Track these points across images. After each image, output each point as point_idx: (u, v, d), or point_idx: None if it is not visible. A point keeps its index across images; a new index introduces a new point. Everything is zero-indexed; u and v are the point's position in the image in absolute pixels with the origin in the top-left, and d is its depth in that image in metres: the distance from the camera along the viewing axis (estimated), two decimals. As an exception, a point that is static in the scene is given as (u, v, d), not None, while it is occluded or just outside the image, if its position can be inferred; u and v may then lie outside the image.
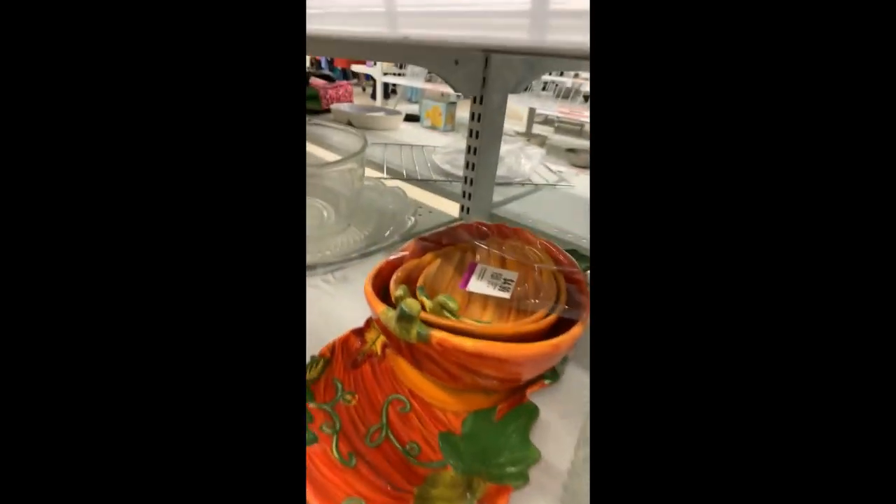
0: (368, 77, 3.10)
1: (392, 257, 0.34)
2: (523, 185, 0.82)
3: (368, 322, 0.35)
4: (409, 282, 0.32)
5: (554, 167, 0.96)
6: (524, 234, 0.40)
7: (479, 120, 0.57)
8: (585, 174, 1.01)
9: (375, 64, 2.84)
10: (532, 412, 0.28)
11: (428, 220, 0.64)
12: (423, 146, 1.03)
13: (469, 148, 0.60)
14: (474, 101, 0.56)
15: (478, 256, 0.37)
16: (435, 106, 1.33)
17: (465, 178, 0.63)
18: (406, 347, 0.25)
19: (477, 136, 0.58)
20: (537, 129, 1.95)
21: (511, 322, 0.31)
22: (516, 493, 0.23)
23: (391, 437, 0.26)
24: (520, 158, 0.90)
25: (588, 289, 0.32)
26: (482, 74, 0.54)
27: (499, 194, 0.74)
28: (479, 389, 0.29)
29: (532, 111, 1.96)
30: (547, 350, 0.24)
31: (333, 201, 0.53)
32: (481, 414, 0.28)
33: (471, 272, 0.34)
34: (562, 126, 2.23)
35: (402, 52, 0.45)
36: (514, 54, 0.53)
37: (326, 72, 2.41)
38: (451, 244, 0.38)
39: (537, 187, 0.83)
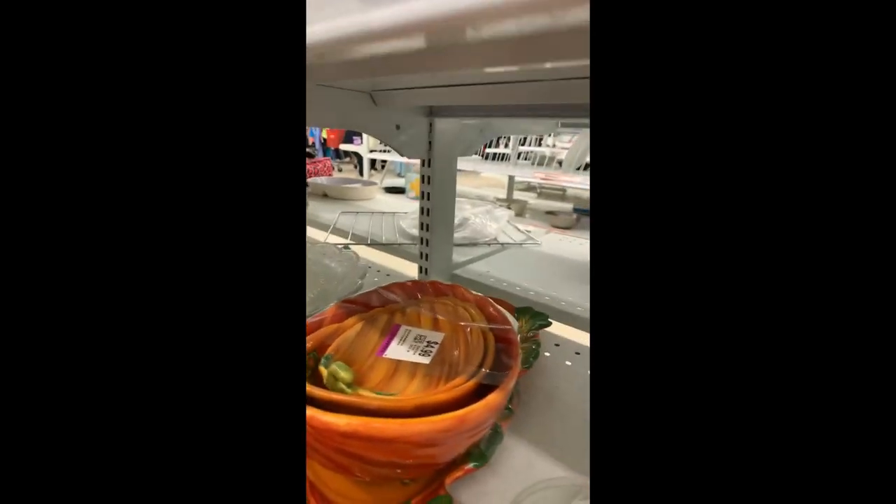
0: (348, 154, 3.26)
1: (310, 320, 0.31)
2: (489, 244, 0.82)
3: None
4: (321, 349, 0.28)
5: (523, 227, 0.96)
6: (460, 290, 0.37)
7: (429, 182, 0.57)
8: (554, 233, 1.01)
9: (362, 142, 3.02)
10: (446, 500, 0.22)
11: (386, 282, 0.61)
12: (394, 213, 1.04)
13: (422, 209, 0.60)
14: (423, 164, 0.57)
15: (402, 317, 0.33)
16: (418, 177, 1.38)
17: (421, 238, 0.61)
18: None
19: (429, 198, 0.58)
20: (521, 195, 2.02)
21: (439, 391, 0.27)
22: None
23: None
24: (486, 220, 0.90)
25: (518, 351, 0.28)
26: (427, 138, 0.55)
27: (464, 254, 0.73)
28: (392, 480, 0.24)
29: (511, 179, 2.05)
30: (449, 424, 0.20)
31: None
32: (391, 512, 0.23)
33: (392, 335, 0.31)
34: (544, 191, 2.31)
35: (344, 117, 0.46)
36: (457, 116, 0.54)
37: (317, 150, 2.55)
38: (381, 306, 0.35)
39: (503, 247, 0.82)
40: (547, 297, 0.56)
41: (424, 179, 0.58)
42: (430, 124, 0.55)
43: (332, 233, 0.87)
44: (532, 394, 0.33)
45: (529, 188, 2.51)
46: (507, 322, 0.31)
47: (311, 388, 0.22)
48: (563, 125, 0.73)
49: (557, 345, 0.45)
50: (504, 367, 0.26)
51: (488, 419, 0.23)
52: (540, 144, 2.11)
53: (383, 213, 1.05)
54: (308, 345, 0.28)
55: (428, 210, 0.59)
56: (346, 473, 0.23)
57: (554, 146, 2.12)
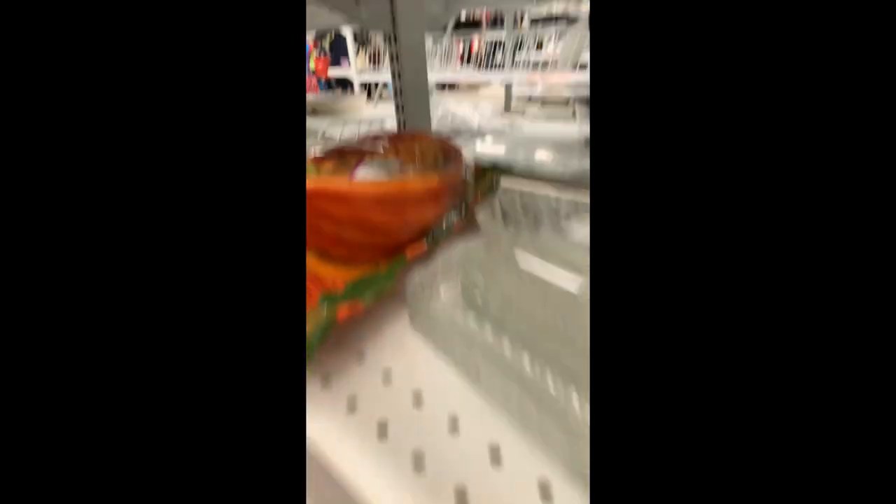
0: (340, 83, 3.14)
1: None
2: (472, 134, 0.84)
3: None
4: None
5: (508, 118, 0.97)
6: (423, 136, 0.41)
7: (398, 60, 0.59)
8: (532, 123, 1.01)
9: (350, 63, 2.88)
10: (402, 259, 0.29)
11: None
12: (382, 118, 1.06)
13: (396, 91, 0.62)
14: (388, 41, 0.58)
15: (370, 155, 0.39)
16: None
17: (400, 122, 0.65)
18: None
19: (400, 77, 0.60)
20: (524, 108, 1.94)
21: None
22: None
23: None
24: (471, 112, 0.91)
25: (462, 159, 0.34)
26: (390, 11, 0.56)
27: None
28: (363, 259, 0.31)
29: (509, 89, 1.97)
30: (392, 189, 0.26)
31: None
32: (365, 279, 0.30)
33: (359, 164, 0.36)
34: (548, 103, 2.21)
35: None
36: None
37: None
38: (351, 152, 0.40)
39: (486, 135, 0.84)
40: (513, 162, 0.60)
41: (393, 58, 0.59)
42: (392, -4, 0.55)
43: (322, 139, 0.91)
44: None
45: (532, 100, 2.41)
46: (458, 149, 0.36)
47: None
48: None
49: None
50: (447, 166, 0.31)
51: (427, 198, 0.28)
52: (538, 49, 1.98)
53: (371, 120, 1.06)
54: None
55: (401, 90, 0.61)
56: (323, 245, 0.29)
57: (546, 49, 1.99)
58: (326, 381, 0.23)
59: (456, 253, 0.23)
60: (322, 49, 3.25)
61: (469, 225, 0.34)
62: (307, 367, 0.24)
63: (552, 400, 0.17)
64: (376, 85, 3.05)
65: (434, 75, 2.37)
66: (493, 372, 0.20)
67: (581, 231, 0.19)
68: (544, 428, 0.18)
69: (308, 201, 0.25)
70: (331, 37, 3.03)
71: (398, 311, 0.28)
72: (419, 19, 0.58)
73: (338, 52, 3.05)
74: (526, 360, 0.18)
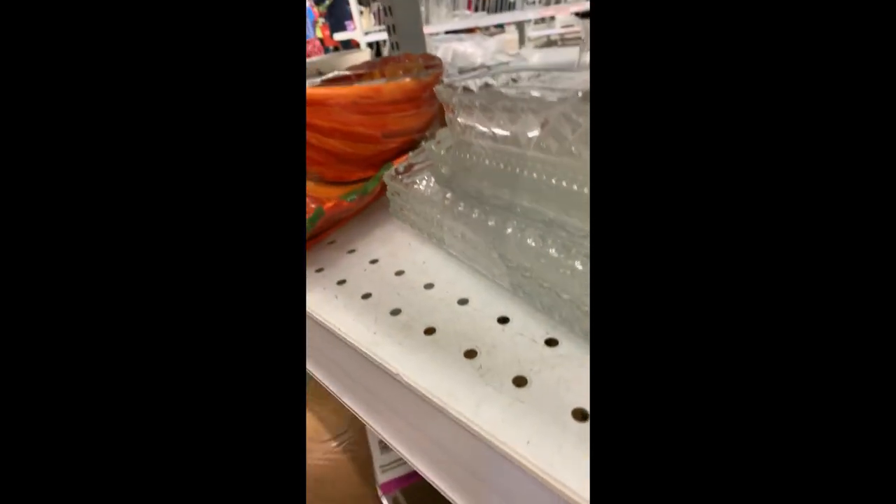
0: (346, 44, 3.07)
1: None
2: (475, 69, 0.82)
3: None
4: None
5: (512, 52, 0.93)
6: (407, 56, 0.42)
7: (390, 13, 0.58)
8: (542, 51, 0.96)
9: (355, 26, 2.81)
10: (389, 165, 0.31)
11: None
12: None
13: (388, 28, 0.61)
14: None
15: (361, 78, 0.40)
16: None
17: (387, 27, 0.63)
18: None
19: (394, 31, 0.59)
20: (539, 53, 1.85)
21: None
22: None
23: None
24: (474, 49, 0.88)
25: (442, 67, 0.34)
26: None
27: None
28: (357, 177, 0.33)
29: (522, 26, 1.87)
30: (367, 91, 0.27)
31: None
32: (356, 189, 0.32)
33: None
34: (567, 42, 2.08)
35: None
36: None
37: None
38: (340, 79, 0.41)
39: (489, 69, 0.82)
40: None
41: (386, 11, 0.58)
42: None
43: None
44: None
45: (549, 42, 2.27)
46: (439, 61, 0.36)
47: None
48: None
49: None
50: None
51: (403, 100, 0.29)
52: None
53: (375, 72, 1.06)
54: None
55: (397, 44, 0.60)
56: (314, 160, 0.31)
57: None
58: (320, 269, 0.26)
59: (427, 146, 0.24)
60: (323, 17, 3.17)
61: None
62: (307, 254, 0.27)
63: (520, 248, 0.18)
64: (385, 42, 2.97)
65: (442, 24, 2.28)
66: (462, 234, 0.21)
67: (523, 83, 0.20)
68: (511, 279, 0.19)
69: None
70: (329, 1, 2.94)
71: (387, 214, 0.30)
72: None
73: (341, 15, 2.98)
74: (491, 219, 0.20)
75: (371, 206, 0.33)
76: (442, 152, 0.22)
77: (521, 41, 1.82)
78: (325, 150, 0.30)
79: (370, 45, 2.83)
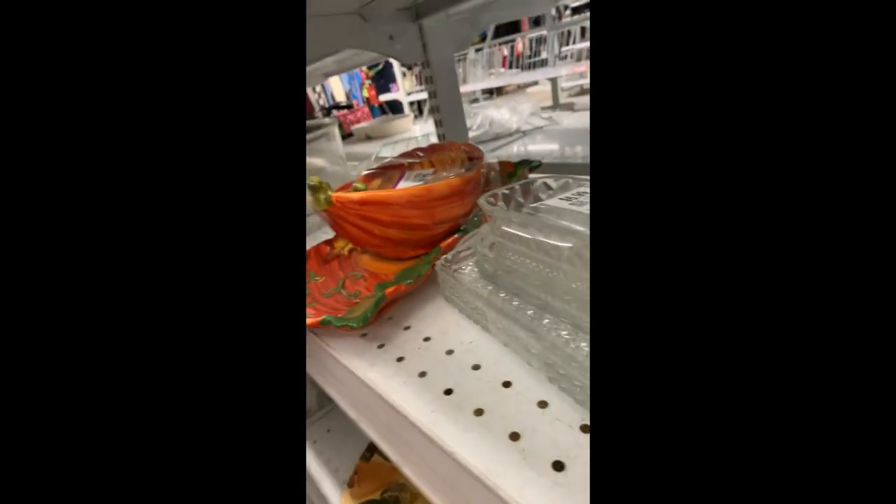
0: (390, 105, 3.32)
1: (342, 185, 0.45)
2: (511, 135, 0.88)
3: (337, 237, 0.46)
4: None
5: (545, 115, 1.00)
6: (452, 145, 0.47)
7: (432, 82, 0.66)
8: (573, 114, 1.02)
9: (399, 88, 3.06)
10: (438, 249, 0.35)
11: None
12: (428, 134, 1.14)
13: (433, 108, 0.69)
14: (423, 66, 0.66)
15: (409, 167, 0.46)
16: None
17: (439, 135, 0.72)
18: (328, 218, 0.35)
19: (435, 96, 0.67)
20: (573, 100, 1.92)
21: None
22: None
23: (342, 290, 0.36)
24: (509, 114, 0.95)
25: (483, 160, 0.39)
26: (421, 41, 0.63)
27: (486, 148, 0.82)
28: (410, 255, 0.38)
29: (555, 82, 1.96)
30: (419, 191, 0.32)
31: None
32: (409, 268, 0.37)
33: (401, 178, 0.43)
34: None
35: (337, 41, 0.56)
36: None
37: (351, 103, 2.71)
38: (393, 167, 0.48)
39: (525, 134, 0.88)
40: (546, 157, 0.64)
41: (427, 80, 0.67)
42: (420, 27, 0.62)
43: (376, 161, 1.01)
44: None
45: (583, 91, 2.35)
46: (477, 151, 0.42)
47: (340, 197, 0.35)
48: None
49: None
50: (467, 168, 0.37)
51: (450, 195, 0.34)
52: (584, 36, 1.96)
53: (418, 136, 1.16)
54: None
55: (437, 107, 0.68)
56: (374, 244, 0.36)
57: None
58: (381, 345, 0.30)
59: (473, 236, 0.28)
60: (370, 79, 3.48)
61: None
62: (366, 336, 0.31)
63: (550, 338, 0.21)
64: (425, 101, 3.20)
65: (478, 84, 2.44)
66: (503, 323, 0.25)
67: (554, 201, 0.24)
68: (545, 360, 0.22)
69: (360, 209, 0.33)
70: (379, 67, 3.23)
71: (436, 290, 0.34)
72: (447, 43, 0.65)
73: (387, 78, 3.27)
74: (529, 312, 0.23)
75: (423, 284, 0.37)
76: (486, 251, 0.26)
77: (555, 96, 1.91)
78: (385, 237, 0.35)
79: (412, 104, 3.05)
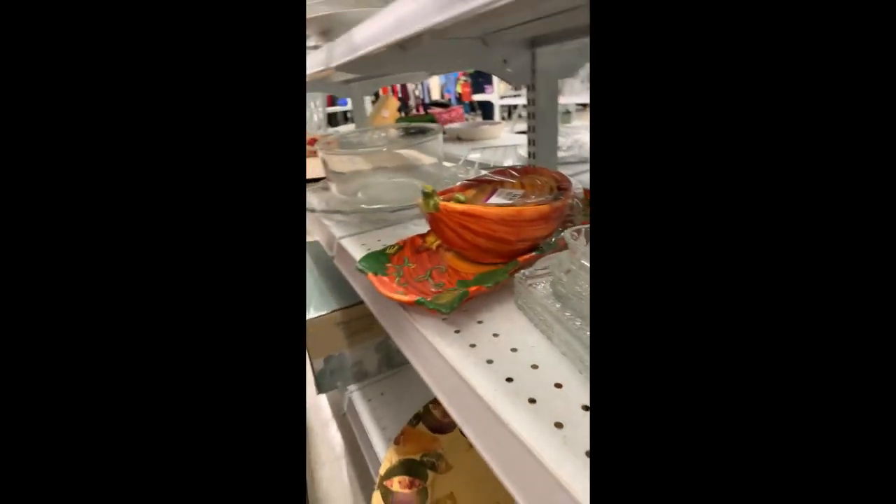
0: (481, 105, 3.37)
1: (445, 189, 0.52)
2: (599, 161, 0.90)
3: (430, 232, 0.54)
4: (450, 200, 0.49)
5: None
6: (543, 170, 0.53)
7: (534, 104, 0.71)
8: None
9: (493, 90, 3.11)
10: (516, 262, 0.41)
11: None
12: (515, 145, 1.19)
13: (529, 128, 0.74)
14: (528, 89, 0.71)
15: (501, 184, 0.52)
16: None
17: (530, 153, 0.77)
18: (431, 219, 0.42)
19: (534, 117, 0.72)
20: None
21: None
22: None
23: (430, 279, 0.44)
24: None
25: (571, 189, 0.44)
26: (531, 67, 0.68)
27: (572, 170, 0.85)
28: (488, 261, 0.44)
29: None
30: (512, 212, 0.38)
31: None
32: (488, 273, 0.43)
33: (493, 192, 0.49)
34: None
35: (457, 61, 0.63)
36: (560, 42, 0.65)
37: (452, 104, 2.83)
38: (488, 182, 0.54)
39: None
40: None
41: (530, 102, 0.72)
42: (533, 54, 0.68)
43: (464, 164, 1.09)
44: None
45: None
46: (566, 180, 0.47)
47: (446, 206, 0.42)
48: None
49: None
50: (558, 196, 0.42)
51: (538, 219, 0.40)
52: None
53: (506, 146, 1.21)
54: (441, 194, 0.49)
55: (533, 127, 0.73)
56: (462, 247, 0.43)
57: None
58: (458, 331, 0.36)
59: (552, 258, 0.34)
60: (466, 76, 3.57)
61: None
62: (446, 320, 0.38)
63: None
64: (514, 107, 3.23)
65: (574, 97, 2.41)
66: (565, 336, 0.30)
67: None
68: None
69: (456, 217, 0.40)
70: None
71: (509, 296, 0.40)
72: (556, 71, 0.69)
73: (483, 79, 3.34)
74: (587, 332, 0.28)
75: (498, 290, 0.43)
76: (562, 275, 0.32)
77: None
78: (473, 244, 0.42)
79: (503, 107, 3.09)
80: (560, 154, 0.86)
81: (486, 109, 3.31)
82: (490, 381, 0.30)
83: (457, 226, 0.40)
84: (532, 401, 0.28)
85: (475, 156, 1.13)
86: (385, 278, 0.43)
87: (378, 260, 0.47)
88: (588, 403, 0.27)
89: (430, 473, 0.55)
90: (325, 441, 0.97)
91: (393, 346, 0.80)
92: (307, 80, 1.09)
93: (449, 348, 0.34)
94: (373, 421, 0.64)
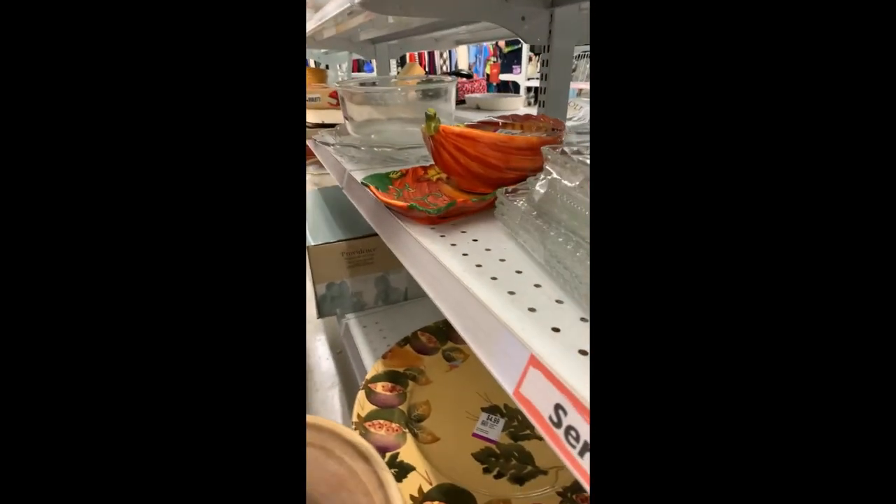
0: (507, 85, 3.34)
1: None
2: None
3: (431, 166, 0.58)
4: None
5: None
6: (543, 117, 0.56)
7: (546, 65, 0.74)
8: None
9: (521, 70, 3.08)
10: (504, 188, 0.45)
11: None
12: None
13: (540, 89, 0.77)
14: (543, 49, 0.73)
15: (499, 129, 0.56)
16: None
17: (539, 103, 0.79)
18: (431, 144, 0.46)
19: (546, 78, 0.75)
20: None
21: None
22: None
23: (426, 199, 0.48)
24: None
25: (564, 129, 0.48)
26: (548, 27, 0.71)
27: (580, 137, 0.88)
28: (481, 191, 0.49)
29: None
30: (504, 138, 0.42)
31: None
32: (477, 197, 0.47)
33: (494, 131, 0.54)
34: None
35: (475, 12, 0.66)
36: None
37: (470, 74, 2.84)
38: (490, 123, 0.58)
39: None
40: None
41: (544, 63, 0.74)
42: (552, 14, 0.70)
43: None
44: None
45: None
46: (563, 126, 0.50)
47: (446, 127, 0.46)
48: None
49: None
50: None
51: (526, 148, 0.44)
52: None
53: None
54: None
55: (544, 89, 0.76)
56: (457, 173, 0.48)
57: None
58: (442, 236, 0.41)
59: (530, 179, 0.38)
60: (496, 57, 3.54)
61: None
62: (434, 228, 0.42)
63: (563, 253, 0.31)
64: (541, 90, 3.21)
65: (584, 84, 2.40)
66: (532, 238, 0.35)
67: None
68: (557, 271, 0.32)
69: (453, 139, 0.44)
70: (517, 46, 3.27)
71: (491, 212, 0.45)
72: (572, 34, 0.72)
73: (511, 60, 3.31)
74: (553, 232, 0.33)
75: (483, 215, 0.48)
76: (537, 186, 0.36)
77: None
78: (467, 169, 0.46)
79: (529, 89, 3.07)
80: (569, 124, 0.89)
81: (510, 90, 3.29)
82: (467, 267, 0.35)
83: (453, 148, 0.45)
84: (494, 278, 0.33)
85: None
86: (385, 194, 0.48)
87: (382, 181, 0.51)
88: (539, 283, 0.32)
89: (411, 383, 0.61)
90: (320, 373, 1.05)
91: (390, 283, 0.86)
92: (332, 30, 1.12)
93: (433, 244, 0.39)
94: (366, 343, 0.71)
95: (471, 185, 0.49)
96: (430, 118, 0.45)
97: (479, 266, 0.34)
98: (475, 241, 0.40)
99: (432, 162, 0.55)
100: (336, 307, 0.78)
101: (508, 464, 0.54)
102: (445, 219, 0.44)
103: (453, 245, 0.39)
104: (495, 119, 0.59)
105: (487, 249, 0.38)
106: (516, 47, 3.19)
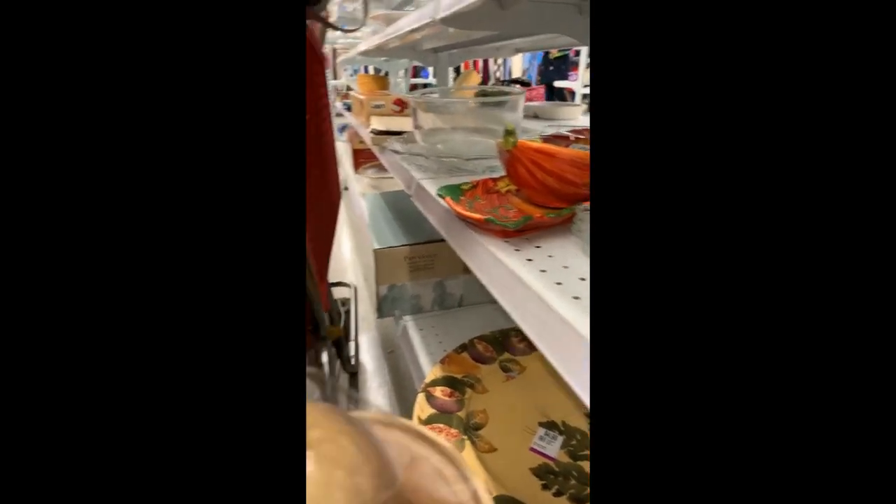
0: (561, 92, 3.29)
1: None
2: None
3: (501, 178, 0.59)
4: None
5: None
6: (617, 132, 0.56)
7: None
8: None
9: (577, 77, 3.03)
10: (580, 203, 0.45)
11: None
12: (586, 127, 1.19)
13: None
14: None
15: (572, 143, 0.56)
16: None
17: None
18: (507, 157, 0.47)
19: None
20: None
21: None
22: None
23: (497, 211, 0.49)
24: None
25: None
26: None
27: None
28: (554, 205, 0.49)
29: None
30: (581, 155, 0.43)
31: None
32: (553, 212, 0.48)
33: (566, 146, 0.54)
34: None
35: (550, 25, 0.66)
36: None
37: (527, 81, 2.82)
38: (562, 138, 0.58)
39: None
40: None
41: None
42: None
43: (538, 137, 1.11)
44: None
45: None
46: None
47: (523, 142, 0.47)
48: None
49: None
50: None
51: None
52: None
53: (578, 127, 1.22)
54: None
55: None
56: (532, 187, 0.48)
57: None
58: (517, 250, 0.42)
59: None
60: (551, 65, 3.49)
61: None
62: (508, 242, 0.43)
63: None
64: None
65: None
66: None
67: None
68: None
69: (530, 154, 0.45)
70: (566, 52, 3.22)
71: (567, 227, 0.45)
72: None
73: (567, 66, 3.25)
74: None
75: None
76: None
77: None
78: (542, 184, 0.47)
79: (584, 96, 3.00)
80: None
81: (564, 98, 3.23)
82: (542, 283, 0.35)
83: (530, 163, 0.45)
84: (576, 297, 0.33)
85: (550, 132, 1.15)
86: (459, 205, 0.50)
87: (454, 192, 0.53)
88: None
89: (468, 391, 0.61)
90: (370, 373, 1.09)
91: (446, 289, 0.87)
92: (398, 41, 1.16)
93: (508, 258, 0.40)
94: (423, 346, 0.73)
95: (544, 199, 0.50)
96: (508, 133, 0.46)
97: (559, 284, 0.35)
98: (550, 256, 0.40)
99: (500, 173, 0.56)
100: (395, 308, 0.82)
101: (567, 483, 0.53)
102: (521, 232, 0.45)
103: (529, 260, 0.39)
104: (566, 133, 0.58)
105: (565, 267, 0.38)
106: (565, 52, 3.13)
